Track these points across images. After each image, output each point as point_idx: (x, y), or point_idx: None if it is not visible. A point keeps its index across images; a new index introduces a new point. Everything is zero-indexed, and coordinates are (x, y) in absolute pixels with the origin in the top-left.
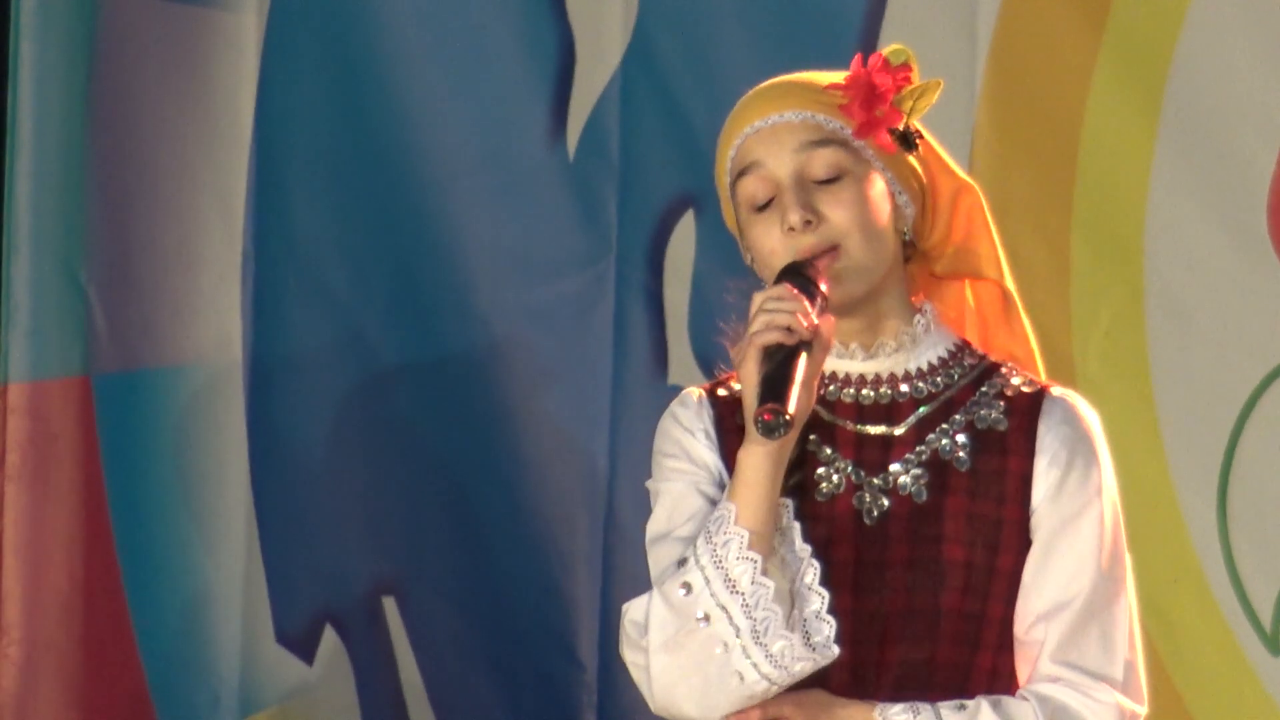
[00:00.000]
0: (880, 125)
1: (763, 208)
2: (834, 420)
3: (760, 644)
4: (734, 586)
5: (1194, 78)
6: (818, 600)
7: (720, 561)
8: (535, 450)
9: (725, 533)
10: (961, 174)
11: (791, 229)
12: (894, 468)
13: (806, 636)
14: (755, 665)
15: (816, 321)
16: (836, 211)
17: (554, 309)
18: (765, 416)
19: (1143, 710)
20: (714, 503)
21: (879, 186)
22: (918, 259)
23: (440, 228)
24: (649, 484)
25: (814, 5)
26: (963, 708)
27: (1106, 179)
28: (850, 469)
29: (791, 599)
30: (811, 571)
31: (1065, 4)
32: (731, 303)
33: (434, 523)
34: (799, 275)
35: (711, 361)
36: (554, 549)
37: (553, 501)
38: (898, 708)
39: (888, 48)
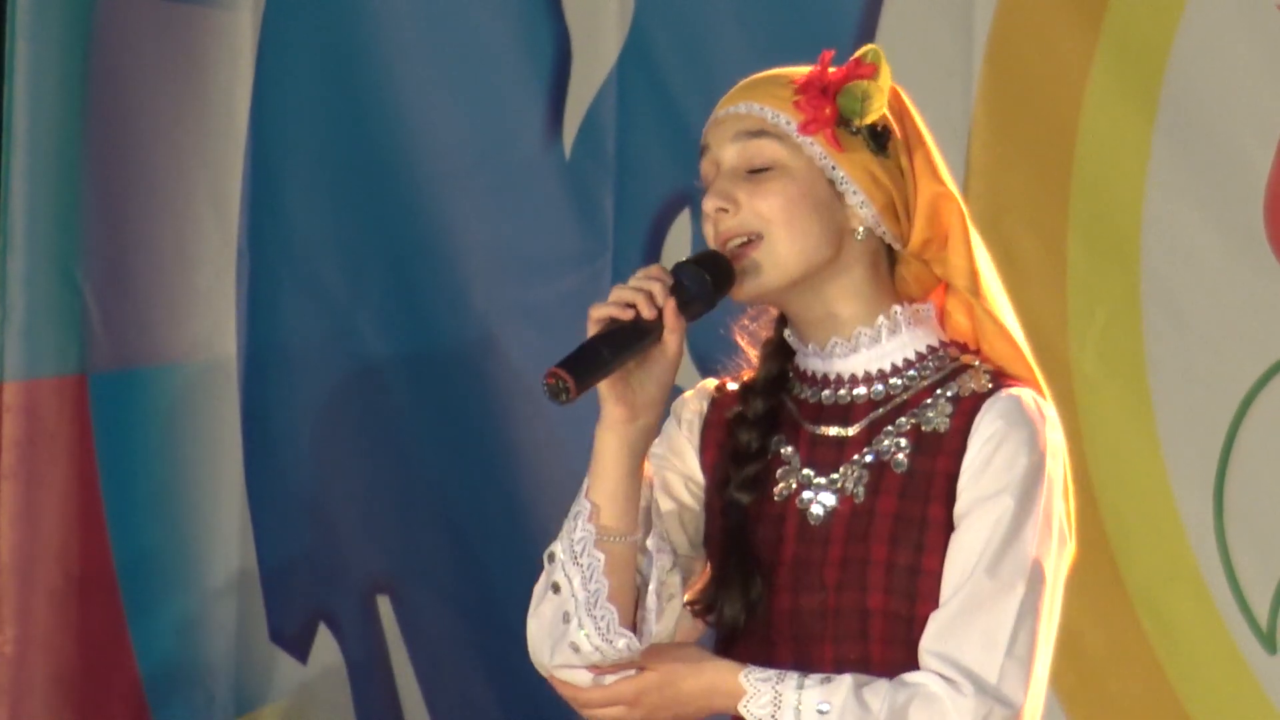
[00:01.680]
0: (826, 123)
1: (706, 189)
2: (798, 421)
3: (591, 615)
4: (576, 558)
5: (1190, 76)
6: (657, 583)
7: (571, 532)
8: (530, 448)
9: (578, 504)
10: (948, 182)
11: (707, 214)
12: (842, 469)
13: (642, 616)
14: (588, 636)
15: (660, 308)
16: (758, 201)
17: (550, 307)
18: (547, 379)
19: (1009, 712)
20: (667, 490)
21: (817, 181)
22: (909, 261)
23: (436, 226)
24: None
25: (811, 4)
26: (828, 680)
27: (1103, 177)
28: (801, 469)
29: (647, 574)
30: (666, 555)
31: (1062, 3)
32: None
33: (428, 521)
34: (699, 264)
35: (708, 359)
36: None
37: (548, 499)
38: (766, 672)
39: (863, 49)
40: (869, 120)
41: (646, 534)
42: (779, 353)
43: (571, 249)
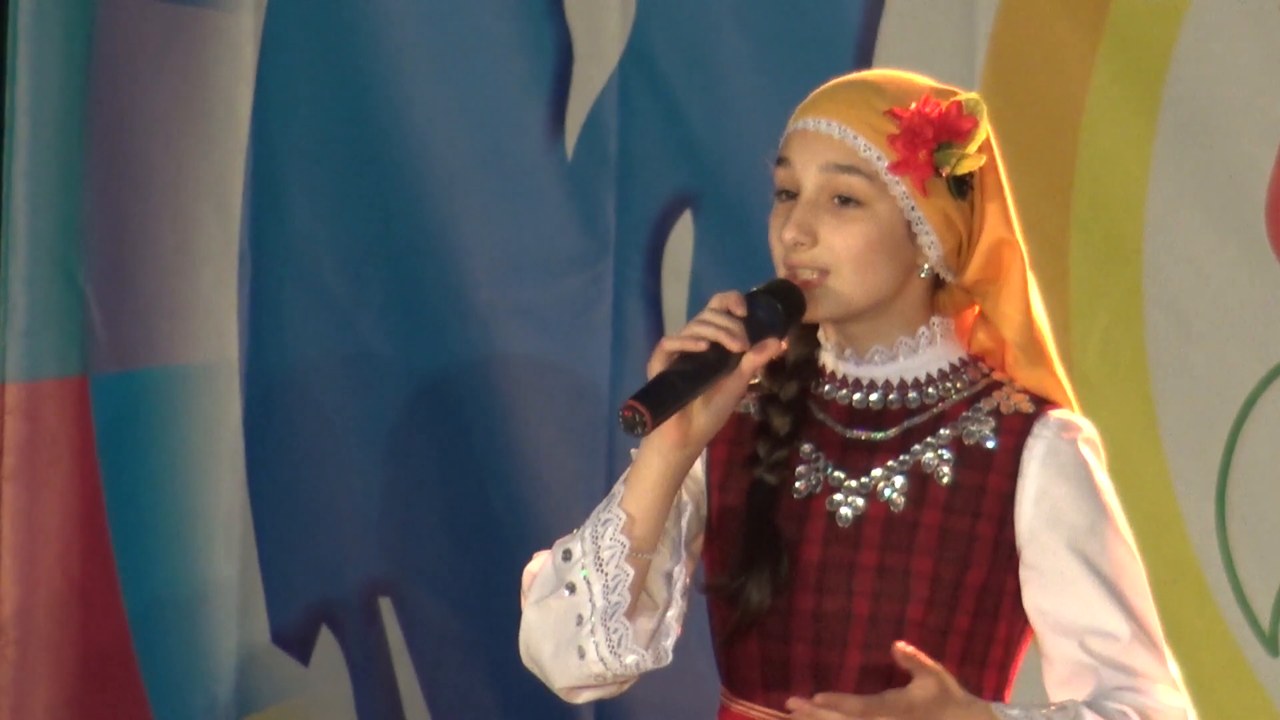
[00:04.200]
0: (918, 169)
1: (783, 196)
2: (823, 420)
3: (605, 626)
4: (601, 565)
5: (1192, 78)
6: (677, 606)
7: (598, 537)
8: (533, 450)
9: (609, 511)
10: (1015, 230)
11: (784, 240)
12: (875, 473)
13: (658, 636)
14: (596, 646)
15: (739, 349)
16: (836, 239)
17: (552, 309)
18: (624, 412)
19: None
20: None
21: (897, 222)
22: (955, 289)
23: (438, 228)
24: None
25: (812, 6)
26: (1063, 710)
27: (1105, 179)
28: (830, 470)
29: (669, 596)
30: (684, 580)
31: (1064, 6)
32: None
33: (430, 523)
34: (774, 294)
35: None
36: None
37: (550, 502)
38: (1013, 709)
39: (966, 95)
40: (959, 172)
41: (667, 558)
42: (806, 336)
43: (573, 250)
